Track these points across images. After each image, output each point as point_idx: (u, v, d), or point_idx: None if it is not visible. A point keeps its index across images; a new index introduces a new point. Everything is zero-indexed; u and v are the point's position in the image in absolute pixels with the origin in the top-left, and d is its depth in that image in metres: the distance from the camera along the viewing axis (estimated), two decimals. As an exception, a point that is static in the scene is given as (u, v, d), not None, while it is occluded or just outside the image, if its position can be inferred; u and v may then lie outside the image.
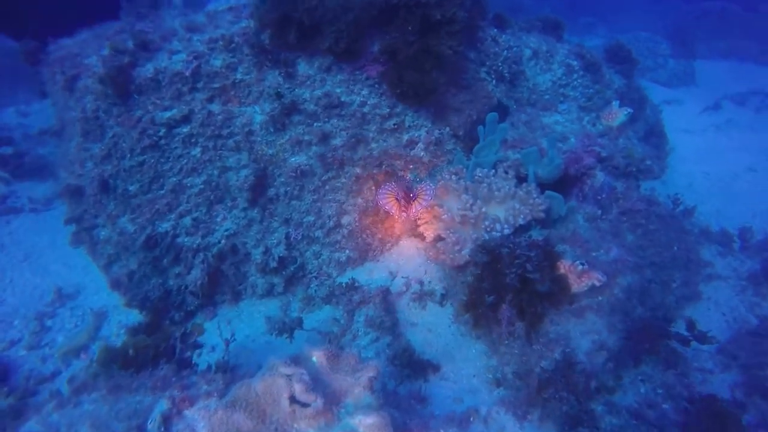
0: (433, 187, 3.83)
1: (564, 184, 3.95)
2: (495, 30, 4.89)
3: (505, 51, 4.73)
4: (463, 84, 4.53)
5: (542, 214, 3.39)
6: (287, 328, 3.59)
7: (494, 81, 4.69)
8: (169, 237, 4.00)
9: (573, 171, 3.77)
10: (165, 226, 3.99)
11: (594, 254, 3.15)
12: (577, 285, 2.91)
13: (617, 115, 4.46)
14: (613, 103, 4.57)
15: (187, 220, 4.03)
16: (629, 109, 4.46)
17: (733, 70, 10.44)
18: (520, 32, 5.35)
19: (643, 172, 3.74)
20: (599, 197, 3.71)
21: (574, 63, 5.18)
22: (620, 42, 5.88)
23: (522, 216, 3.33)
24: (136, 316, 4.10)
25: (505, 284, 2.93)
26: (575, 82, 5.14)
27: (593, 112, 4.75)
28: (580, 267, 2.87)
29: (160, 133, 3.85)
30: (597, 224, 3.62)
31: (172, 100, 3.86)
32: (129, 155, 3.85)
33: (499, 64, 4.68)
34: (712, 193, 5.49)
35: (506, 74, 4.74)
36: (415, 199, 3.77)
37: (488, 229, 3.32)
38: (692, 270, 3.60)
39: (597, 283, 2.87)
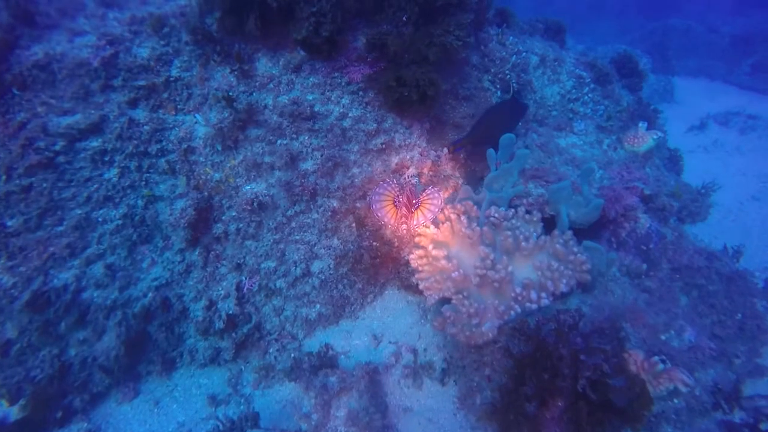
0: (442, 195, 2.97)
1: (592, 226, 3.15)
2: (499, 29, 4.05)
3: (514, 56, 3.89)
4: (464, 94, 3.65)
5: (587, 276, 2.56)
6: (237, 427, 2.57)
7: (499, 92, 3.85)
8: (70, 292, 2.85)
9: (612, 213, 2.98)
10: (64, 276, 2.84)
11: (663, 337, 2.36)
12: (653, 388, 2.09)
13: (644, 139, 3.74)
14: (640, 124, 3.85)
15: (98, 268, 2.91)
16: (659, 133, 3.76)
17: (707, 88, 10.27)
18: (522, 35, 4.55)
19: (692, 216, 3.02)
20: (644, 247, 2.94)
21: (585, 74, 4.44)
22: (628, 52, 5.22)
23: (565, 280, 2.48)
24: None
25: (555, 387, 2.06)
26: (585, 97, 4.40)
27: (613, 133, 4.01)
28: (661, 366, 2.04)
29: (57, 147, 2.71)
30: (643, 283, 2.85)
31: (75, 101, 2.73)
32: (5, 176, 2.68)
33: (507, 71, 3.84)
34: (726, 228, 4.92)
35: (514, 84, 3.91)
36: (419, 207, 2.91)
37: (520, 299, 2.44)
38: (759, 340, 2.91)
39: (683, 388, 2.06)
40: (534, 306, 2.43)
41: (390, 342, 3.20)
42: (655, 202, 3.04)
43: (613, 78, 4.61)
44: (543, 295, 2.45)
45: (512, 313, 2.43)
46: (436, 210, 2.90)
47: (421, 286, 2.82)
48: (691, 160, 6.92)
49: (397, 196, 2.99)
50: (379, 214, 2.97)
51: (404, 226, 2.94)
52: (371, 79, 3.15)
